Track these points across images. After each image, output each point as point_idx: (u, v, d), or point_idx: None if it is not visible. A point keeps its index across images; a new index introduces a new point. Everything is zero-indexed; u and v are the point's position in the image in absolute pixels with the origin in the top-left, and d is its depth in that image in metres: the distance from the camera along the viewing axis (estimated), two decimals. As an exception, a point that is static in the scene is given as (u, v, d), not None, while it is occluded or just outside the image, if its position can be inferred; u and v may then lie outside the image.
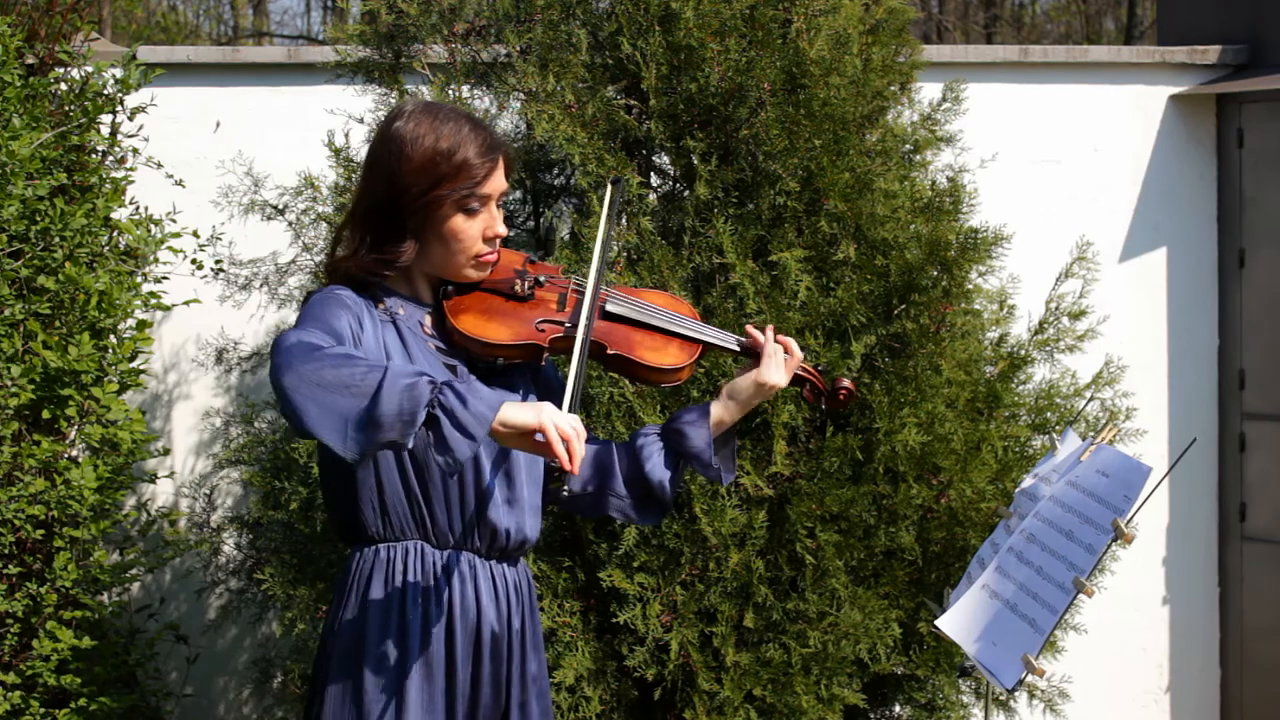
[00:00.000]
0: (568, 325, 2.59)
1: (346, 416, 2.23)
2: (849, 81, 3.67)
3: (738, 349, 2.73)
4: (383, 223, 2.55)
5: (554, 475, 2.35)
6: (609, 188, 2.71)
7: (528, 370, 2.66)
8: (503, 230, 2.56)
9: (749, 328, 2.75)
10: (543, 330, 2.58)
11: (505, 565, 2.60)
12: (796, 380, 2.77)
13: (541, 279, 2.64)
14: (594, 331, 2.59)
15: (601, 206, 2.65)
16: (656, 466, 2.69)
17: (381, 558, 2.52)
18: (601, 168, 3.57)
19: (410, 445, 2.25)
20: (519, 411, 2.29)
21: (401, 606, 2.50)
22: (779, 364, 2.70)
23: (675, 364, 2.65)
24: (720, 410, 2.71)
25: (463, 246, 2.54)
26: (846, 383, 2.78)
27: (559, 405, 2.39)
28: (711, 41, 3.56)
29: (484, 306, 2.59)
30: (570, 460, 2.29)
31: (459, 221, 2.53)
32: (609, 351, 2.62)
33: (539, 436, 2.28)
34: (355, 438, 2.23)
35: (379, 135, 2.58)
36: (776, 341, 2.71)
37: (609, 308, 2.66)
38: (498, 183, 2.55)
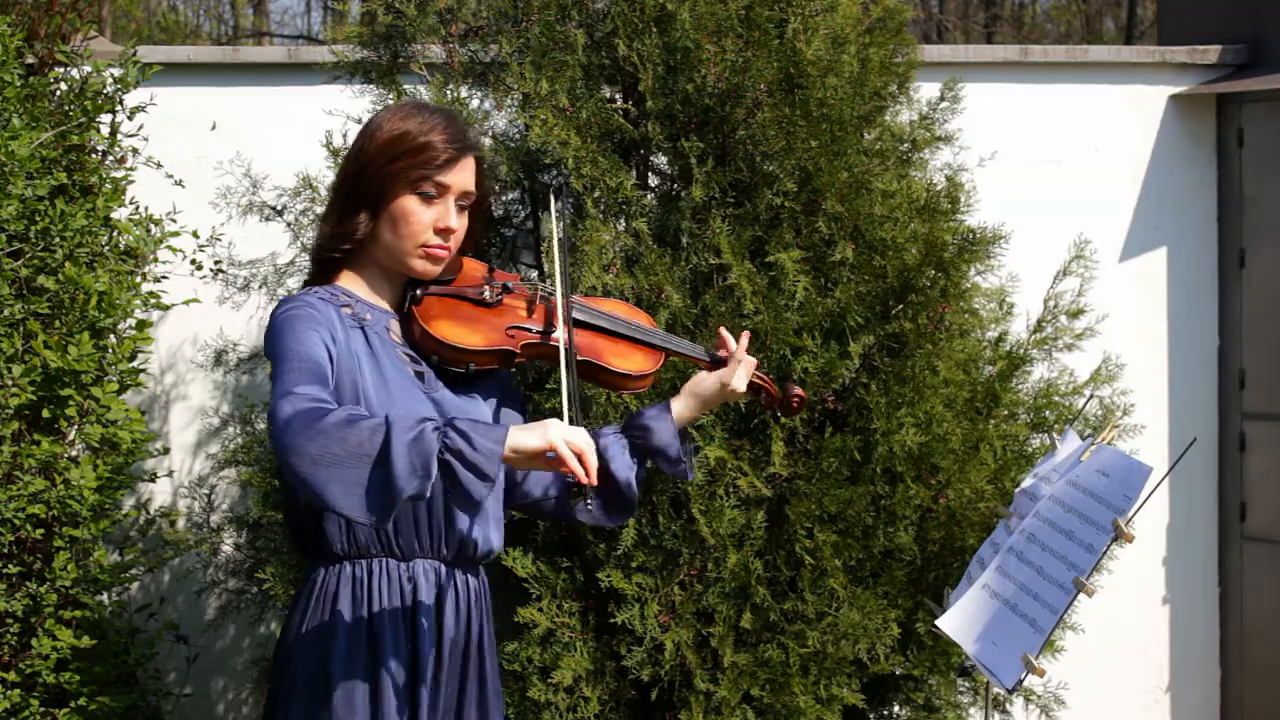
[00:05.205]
0: (541, 331, 2.59)
1: (365, 487, 2.22)
2: (846, 81, 3.66)
3: (707, 359, 2.76)
4: (345, 199, 2.56)
5: (572, 490, 2.34)
6: (552, 198, 2.70)
7: (491, 379, 2.65)
8: (454, 224, 2.54)
9: (721, 330, 2.77)
10: (513, 336, 2.58)
11: (469, 574, 2.59)
12: (753, 387, 2.80)
13: (511, 285, 2.65)
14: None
15: (551, 217, 2.67)
16: (622, 465, 2.68)
17: (348, 574, 2.51)
18: (596, 170, 3.56)
19: (429, 495, 2.25)
20: (526, 436, 2.28)
21: (369, 623, 2.49)
22: (746, 372, 2.73)
23: (641, 370, 2.69)
24: (680, 406, 2.72)
25: (410, 230, 2.52)
26: (798, 390, 2.83)
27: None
28: (708, 42, 3.55)
29: (454, 312, 2.58)
30: (588, 473, 2.28)
31: (410, 202, 2.52)
32: (578, 358, 2.62)
33: (550, 455, 2.27)
34: (379, 505, 2.23)
35: (362, 126, 2.61)
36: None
37: (576, 316, 2.67)
38: (459, 177, 2.54)
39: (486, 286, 2.62)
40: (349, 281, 2.60)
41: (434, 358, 2.56)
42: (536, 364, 2.53)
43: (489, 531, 2.60)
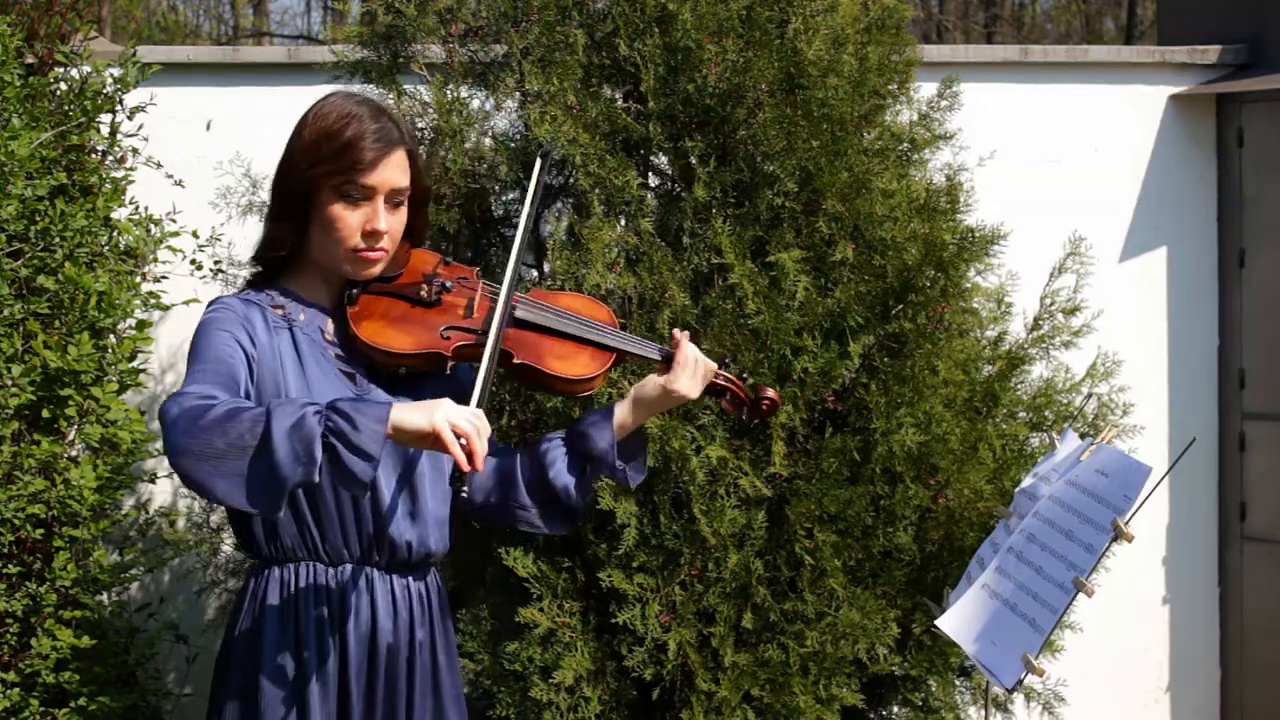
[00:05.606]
0: (477, 332, 2.49)
1: (249, 478, 2.20)
2: (847, 81, 3.66)
3: (659, 358, 2.64)
4: (279, 202, 2.51)
5: (454, 475, 2.27)
6: (538, 160, 2.57)
7: (435, 378, 2.57)
8: (382, 226, 2.47)
9: (675, 332, 2.66)
10: (447, 338, 2.49)
11: (409, 577, 2.55)
12: (715, 390, 2.68)
13: (449, 284, 2.55)
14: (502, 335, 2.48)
15: (530, 180, 2.56)
16: (560, 472, 2.62)
17: (276, 577, 2.49)
18: (603, 168, 3.57)
19: (318, 480, 2.22)
20: (410, 415, 2.23)
21: (295, 624, 2.47)
22: (691, 374, 2.62)
23: (584, 374, 2.56)
24: (624, 412, 2.64)
25: (339, 236, 2.46)
26: (770, 392, 2.70)
27: (467, 404, 2.31)
28: (709, 42, 3.55)
29: (387, 313, 2.50)
30: (470, 459, 2.22)
31: (337, 209, 2.46)
32: (515, 360, 2.53)
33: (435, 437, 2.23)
34: (265, 496, 2.21)
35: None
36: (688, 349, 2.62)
37: (518, 314, 2.56)
38: (385, 175, 2.46)
39: (425, 284, 2.53)
40: (290, 280, 2.56)
41: (364, 359, 2.51)
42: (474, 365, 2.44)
43: (426, 533, 2.54)
